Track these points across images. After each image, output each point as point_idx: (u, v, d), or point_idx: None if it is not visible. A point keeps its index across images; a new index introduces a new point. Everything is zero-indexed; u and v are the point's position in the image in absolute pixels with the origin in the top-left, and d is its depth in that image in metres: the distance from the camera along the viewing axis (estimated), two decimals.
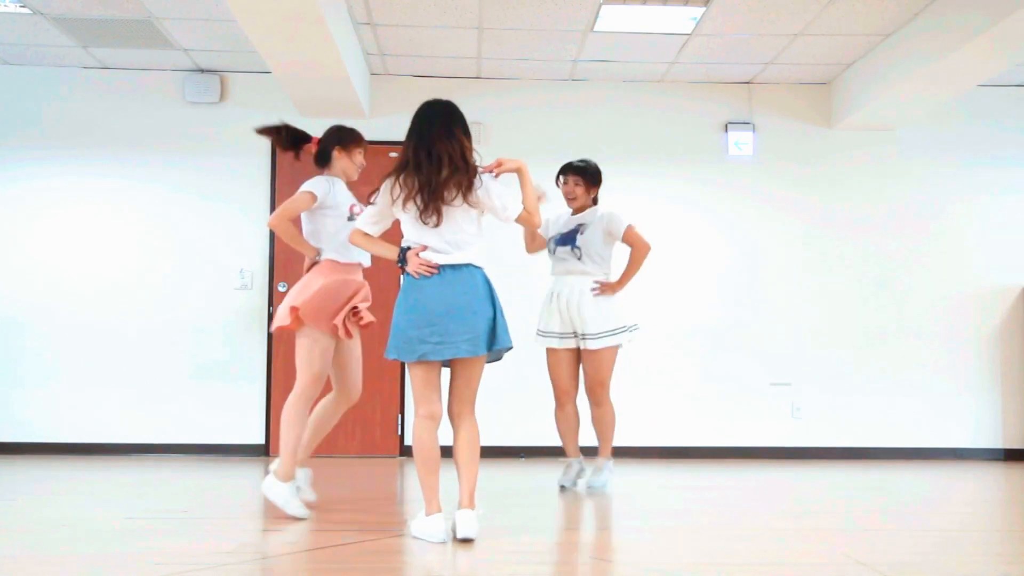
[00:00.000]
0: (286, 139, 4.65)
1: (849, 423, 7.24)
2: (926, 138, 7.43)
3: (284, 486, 4.24)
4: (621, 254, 5.21)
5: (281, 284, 7.08)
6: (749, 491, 5.62)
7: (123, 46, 6.76)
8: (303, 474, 4.52)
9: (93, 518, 4.32)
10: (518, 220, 3.92)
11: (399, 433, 7.12)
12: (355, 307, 4.35)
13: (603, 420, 5.16)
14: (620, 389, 6.90)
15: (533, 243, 5.25)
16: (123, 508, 4.62)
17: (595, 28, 6.34)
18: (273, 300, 7.08)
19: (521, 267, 6.02)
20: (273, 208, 7.13)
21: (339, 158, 4.55)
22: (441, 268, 3.75)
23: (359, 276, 4.46)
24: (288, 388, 6.94)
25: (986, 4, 5.42)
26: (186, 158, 7.17)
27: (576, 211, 5.21)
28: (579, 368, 5.18)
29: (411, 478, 5.98)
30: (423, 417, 3.81)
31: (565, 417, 5.19)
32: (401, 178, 3.77)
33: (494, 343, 3.78)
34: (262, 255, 7.14)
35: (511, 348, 3.86)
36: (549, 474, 5.60)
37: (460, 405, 3.84)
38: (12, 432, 6.93)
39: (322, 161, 4.59)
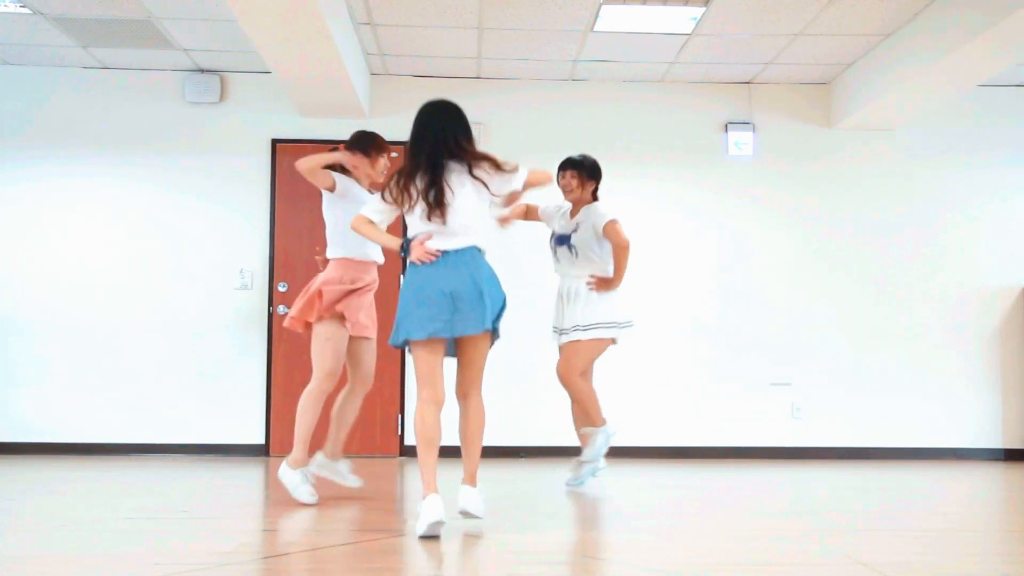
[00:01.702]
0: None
1: (849, 423, 7.24)
2: (926, 138, 7.43)
3: (295, 472, 4.52)
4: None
5: (281, 284, 7.08)
6: (749, 491, 5.62)
7: (123, 46, 6.76)
8: (343, 465, 4.86)
9: (93, 518, 4.32)
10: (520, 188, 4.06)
11: (399, 433, 7.12)
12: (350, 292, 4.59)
13: (577, 397, 5.11)
14: (620, 389, 6.93)
15: (525, 216, 5.31)
16: (123, 508, 4.62)
17: (595, 28, 6.34)
18: (273, 300, 7.08)
19: (533, 267, 6.03)
20: (273, 209, 7.15)
21: (361, 165, 4.72)
22: (444, 253, 3.84)
23: (373, 274, 4.69)
24: (288, 388, 7.02)
25: (986, 4, 5.42)
26: (186, 158, 7.17)
27: (574, 206, 5.23)
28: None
29: (411, 478, 5.98)
30: (426, 401, 3.86)
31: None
32: (401, 183, 3.88)
33: (499, 319, 3.94)
34: (262, 255, 7.14)
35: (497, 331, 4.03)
36: (549, 474, 5.60)
37: (467, 384, 3.95)
38: (12, 432, 6.93)
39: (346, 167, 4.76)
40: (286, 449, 6.93)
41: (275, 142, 7.21)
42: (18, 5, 6.03)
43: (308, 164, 4.55)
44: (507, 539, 3.80)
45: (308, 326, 4.59)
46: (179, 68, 7.20)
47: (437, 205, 3.81)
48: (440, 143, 3.87)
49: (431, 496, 3.72)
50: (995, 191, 7.43)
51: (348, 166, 4.71)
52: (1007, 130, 7.47)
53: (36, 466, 6.27)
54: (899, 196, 7.41)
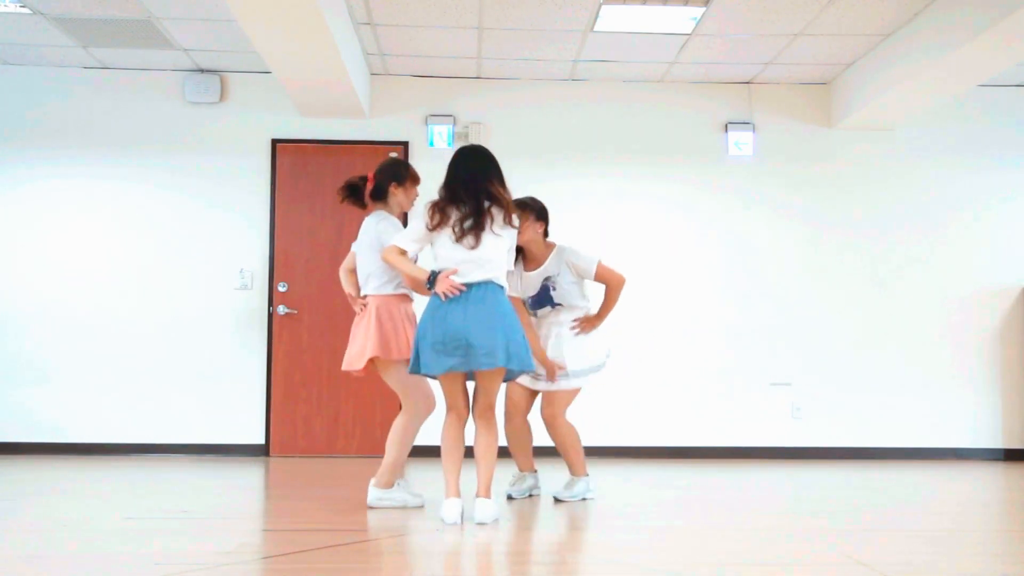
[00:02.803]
0: (352, 195, 4.70)
1: (849, 423, 7.24)
2: (926, 138, 7.43)
3: (390, 491, 4.52)
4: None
5: (281, 284, 7.08)
6: (749, 491, 5.62)
7: (123, 46, 6.76)
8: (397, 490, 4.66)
9: (93, 518, 4.32)
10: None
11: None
12: None
13: (563, 442, 4.88)
14: (621, 389, 6.93)
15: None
16: (123, 508, 4.62)
17: (595, 28, 6.33)
18: (273, 300, 7.08)
19: None
20: (273, 209, 7.15)
21: (395, 193, 4.63)
22: (467, 287, 4.08)
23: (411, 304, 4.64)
24: (288, 388, 7.02)
25: (986, 4, 5.42)
26: (186, 158, 7.17)
27: (528, 258, 4.83)
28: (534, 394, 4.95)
29: (412, 478, 5.98)
30: (451, 417, 4.28)
31: (513, 432, 4.96)
32: (441, 207, 4.15)
33: (513, 362, 4.09)
34: (262, 255, 7.14)
35: (532, 371, 4.40)
36: (548, 474, 5.60)
37: (480, 410, 4.25)
38: (12, 432, 6.93)
39: (377, 196, 4.64)
40: (286, 449, 6.99)
41: (275, 142, 7.21)
42: (18, 5, 6.03)
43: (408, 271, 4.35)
44: (507, 539, 3.80)
45: (368, 365, 4.49)
46: (179, 68, 7.20)
47: (474, 229, 4.08)
48: (479, 181, 4.18)
49: (452, 499, 4.11)
50: (995, 191, 7.43)
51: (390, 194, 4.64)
52: (1007, 130, 7.47)
53: (37, 466, 6.27)
54: (899, 196, 7.41)
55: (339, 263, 4.91)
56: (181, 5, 6.02)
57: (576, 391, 4.87)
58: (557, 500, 4.86)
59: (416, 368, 4.19)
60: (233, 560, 3.32)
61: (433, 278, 4.12)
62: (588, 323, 4.83)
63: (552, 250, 4.83)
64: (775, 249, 7.36)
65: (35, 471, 6.07)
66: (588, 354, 4.81)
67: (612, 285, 4.81)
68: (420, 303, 4.34)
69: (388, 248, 4.24)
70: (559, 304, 4.80)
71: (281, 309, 7.05)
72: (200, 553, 3.45)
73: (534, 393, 4.93)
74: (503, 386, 4.56)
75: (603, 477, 5.34)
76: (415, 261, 4.36)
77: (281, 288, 7.08)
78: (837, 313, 7.32)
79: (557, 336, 4.81)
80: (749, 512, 4.79)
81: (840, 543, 3.77)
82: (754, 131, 7.39)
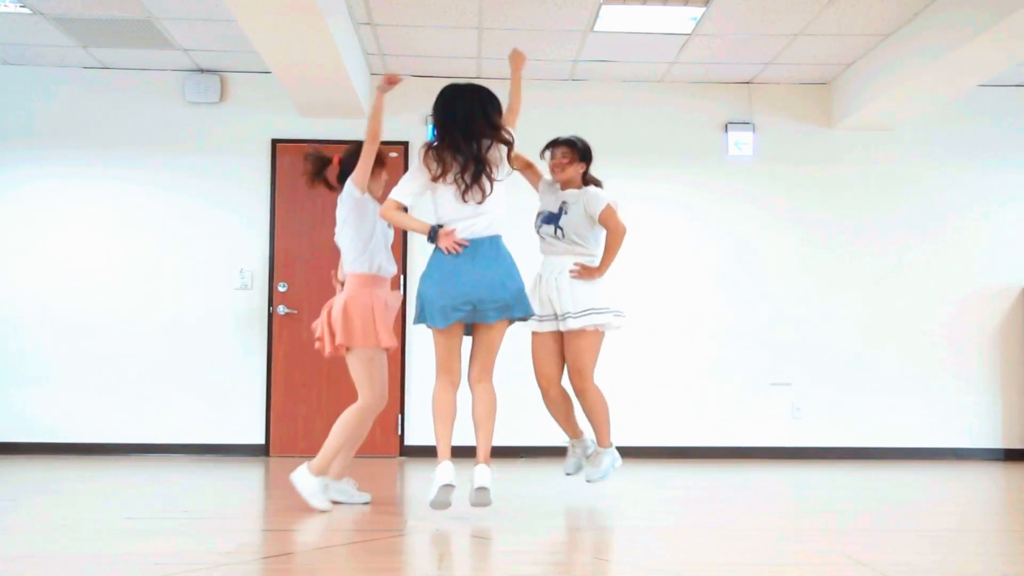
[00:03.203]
0: (319, 175, 4.64)
1: (849, 423, 7.24)
2: (926, 138, 7.43)
3: (315, 479, 4.30)
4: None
5: (281, 284, 7.08)
6: (749, 491, 5.62)
7: (123, 46, 6.76)
8: (349, 483, 4.60)
9: (93, 518, 4.32)
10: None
11: (399, 433, 7.12)
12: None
13: (593, 409, 4.83)
14: (620, 389, 6.92)
15: (524, 168, 5.02)
16: (123, 508, 4.62)
17: (595, 28, 6.34)
18: (273, 300, 7.08)
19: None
20: (273, 209, 7.15)
21: (377, 176, 4.54)
22: (471, 242, 4.04)
23: (388, 288, 4.51)
24: (288, 388, 7.02)
25: (986, 4, 5.42)
26: (186, 158, 7.17)
27: (563, 186, 4.86)
28: (562, 354, 4.84)
29: (411, 478, 5.98)
30: (444, 381, 4.17)
31: (552, 403, 4.91)
32: (435, 153, 4.06)
33: (519, 311, 4.12)
34: (262, 255, 7.14)
35: (533, 315, 4.29)
36: (549, 474, 5.61)
37: (480, 372, 4.18)
38: (12, 432, 6.93)
39: (344, 180, 4.54)
40: (286, 449, 6.99)
41: (275, 142, 7.21)
42: (18, 5, 6.03)
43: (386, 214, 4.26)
44: (507, 539, 3.80)
45: (337, 349, 4.38)
46: (179, 68, 7.20)
47: (477, 181, 4.01)
48: (473, 118, 4.07)
49: (445, 462, 4.01)
50: (995, 191, 7.43)
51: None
52: (1007, 130, 7.48)
53: (36, 466, 6.27)
54: (899, 196, 7.41)
55: (339, 263, 4.90)
56: (181, 5, 6.03)
57: (591, 347, 4.73)
58: (589, 481, 4.86)
59: (421, 319, 4.15)
60: (233, 560, 3.32)
61: (434, 233, 4.08)
62: (587, 271, 4.72)
63: (580, 188, 4.85)
64: (775, 249, 7.36)
65: (35, 471, 6.07)
66: (587, 297, 4.70)
67: (612, 231, 4.75)
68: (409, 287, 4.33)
69: (385, 204, 4.16)
70: (561, 229, 4.74)
71: (281, 309, 7.05)
72: (200, 553, 3.45)
73: (561, 362, 4.83)
74: (530, 366, 4.72)
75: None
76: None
77: (281, 288, 7.08)
78: (837, 313, 7.32)
79: (558, 280, 4.73)
80: (749, 512, 4.79)
81: (840, 543, 3.77)
82: (754, 131, 7.39)
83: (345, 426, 4.36)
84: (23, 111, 7.15)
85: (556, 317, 4.75)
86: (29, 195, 7.12)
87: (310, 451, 7.00)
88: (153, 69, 7.21)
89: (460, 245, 4.05)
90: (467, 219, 4.08)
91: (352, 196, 4.41)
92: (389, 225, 4.46)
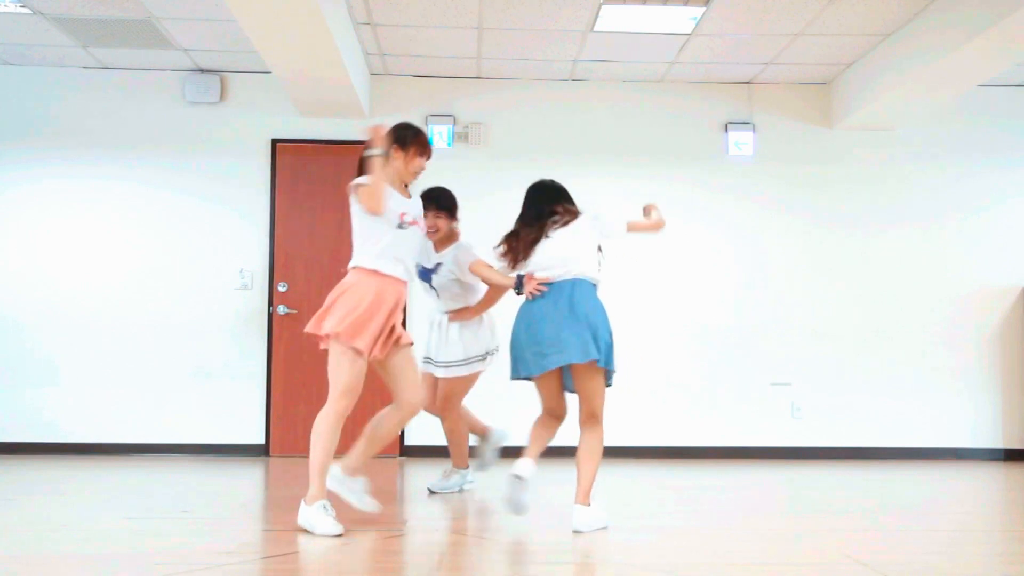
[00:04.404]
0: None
1: (849, 423, 7.24)
2: (926, 138, 7.43)
3: (311, 507, 3.87)
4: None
5: (281, 284, 7.08)
6: (749, 491, 5.62)
7: (123, 46, 6.76)
8: (360, 483, 4.16)
9: (93, 518, 4.32)
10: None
11: (399, 433, 7.11)
12: (392, 326, 4.04)
13: (452, 431, 5.17)
14: (621, 389, 6.91)
15: None
16: (123, 508, 4.62)
17: (595, 28, 6.34)
18: (273, 300, 7.08)
19: None
20: (273, 209, 7.15)
21: (396, 158, 4.14)
22: (550, 285, 4.13)
23: (397, 288, 4.05)
24: (288, 388, 7.01)
25: (986, 4, 5.42)
26: (186, 158, 7.17)
27: (437, 245, 4.94)
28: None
29: (411, 478, 5.98)
30: (546, 414, 4.27)
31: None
32: (507, 238, 4.33)
33: (603, 358, 4.04)
34: (262, 255, 7.14)
35: (614, 371, 4.16)
36: (549, 474, 5.60)
37: (584, 416, 4.16)
38: (13, 432, 6.93)
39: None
40: (286, 449, 6.99)
41: (275, 142, 7.21)
42: (18, 5, 6.03)
43: (373, 196, 3.92)
44: (507, 539, 3.80)
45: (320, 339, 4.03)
46: (179, 68, 7.20)
47: (536, 238, 4.22)
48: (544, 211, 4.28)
49: (526, 459, 4.09)
50: (995, 191, 7.43)
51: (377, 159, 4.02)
52: (1007, 130, 7.48)
53: (37, 466, 6.27)
54: (898, 196, 7.41)
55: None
56: (181, 5, 6.02)
57: (465, 386, 5.04)
58: (432, 492, 5.12)
59: (517, 374, 4.20)
60: (233, 560, 3.32)
61: (520, 281, 4.24)
62: (458, 314, 4.97)
63: (454, 241, 4.96)
64: (775, 249, 7.36)
65: (35, 471, 6.06)
66: (468, 345, 4.96)
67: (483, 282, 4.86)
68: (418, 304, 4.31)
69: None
70: (434, 290, 4.98)
71: (281, 309, 7.05)
72: (200, 553, 3.45)
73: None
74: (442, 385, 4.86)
75: (603, 477, 5.31)
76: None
77: (281, 288, 7.08)
78: (837, 313, 7.32)
79: (440, 323, 5.03)
80: (749, 512, 4.79)
81: (840, 543, 3.77)
82: (754, 131, 7.39)
83: (316, 437, 3.93)
84: (23, 111, 7.15)
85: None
86: (29, 195, 7.11)
87: (310, 451, 7.02)
88: (153, 69, 7.21)
89: (541, 288, 4.15)
90: (545, 263, 4.22)
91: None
92: (400, 225, 4.08)
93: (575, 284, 4.11)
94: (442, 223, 4.90)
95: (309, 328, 4.02)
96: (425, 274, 4.98)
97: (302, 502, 3.91)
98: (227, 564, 3.24)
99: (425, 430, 7.07)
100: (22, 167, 7.12)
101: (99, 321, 7.04)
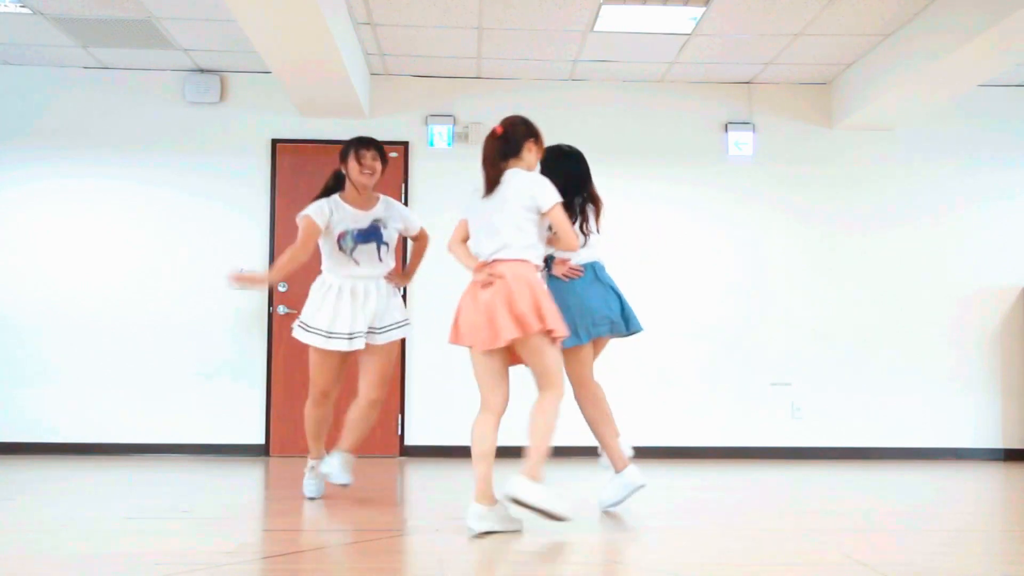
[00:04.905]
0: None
1: (849, 423, 7.25)
2: (926, 138, 7.43)
3: (536, 485, 3.89)
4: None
5: (281, 284, 7.07)
6: (749, 491, 5.62)
7: (123, 46, 6.76)
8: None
9: (93, 518, 4.32)
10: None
11: (399, 433, 7.11)
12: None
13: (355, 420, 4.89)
14: (621, 389, 6.92)
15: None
16: (123, 508, 4.62)
17: (595, 28, 6.34)
18: (273, 300, 7.08)
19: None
20: (273, 209, 7.15)
21: (531, 150, 4.40)
22: (583, 266, 4.45)
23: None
24: (288, 388, 7.02)
25: (986, 4, 5.42)
26: (186, 158, 7.17)
27: (365, 203, 4.71)
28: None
29: (411, 478, 5.98)
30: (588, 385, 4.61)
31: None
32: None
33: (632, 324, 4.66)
34: (262, 255, 7.14)
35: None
36: (548, 474, 5.59)
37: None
38: (12, 432, 6.93)
39: (513, 152, 4.33)
40: (286, 449, 6.99)
41: (275, 142, 7.22)
42: (18, 5, 6.03)
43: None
44: (507, 539, 3.80)
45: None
46: (179, 68, 7.20)
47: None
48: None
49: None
50: (995, 191, 7.43)
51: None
52: (1007, 130, 7.48)
53: (36, 466, 6.27)
54: (899, 196, 7.41)
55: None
56: (181, 5, 6.03)
57: (396, 357, 4.92)
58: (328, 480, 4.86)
59: (580, 339, 4.39)
60: (233, 560, 3.32)
61: (548, 263, 4.37)
62: (400, 277, 4.89)
63: (380, 199, 4.77)
64: (775, 249, 7.36)
65: (35, 471, 6.07)
66: (401, 308, 4.80)
67: (422, 244, 4.94)
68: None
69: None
70: (385, 245, 4.70)
71: (281, 309, 7.05)
72: (200, 553, 3.45)
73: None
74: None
75: (603, 477, 5.33)
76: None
77: (281, 288, 7.08)
78: (837, 313, 7.32)
79: (373, 291, 4.68)
80: (749, 512, 4.79)
81: (840, 543, 3.77)
82: (754, 131, 7.39)
83: (544, 426, 4.12)
84: (23, 111, 7.15)
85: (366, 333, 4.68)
86: (29, 195, 7.11)
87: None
88: (153, 69, 7.21)
89: (578, 271, 4.45)
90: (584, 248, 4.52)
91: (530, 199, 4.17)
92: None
93: (597, 265, 4.60)
94: (379, 165, 4.69)
95: (539, 327, 3.90)
96: (367, 235, 4.67)
97: (522, 476, 3.87)
98: (227, 564, 3.24)
99: (425, 430, 7.08)
100: (22, 167, 7.12)
101: (99, 321, 7.04)
